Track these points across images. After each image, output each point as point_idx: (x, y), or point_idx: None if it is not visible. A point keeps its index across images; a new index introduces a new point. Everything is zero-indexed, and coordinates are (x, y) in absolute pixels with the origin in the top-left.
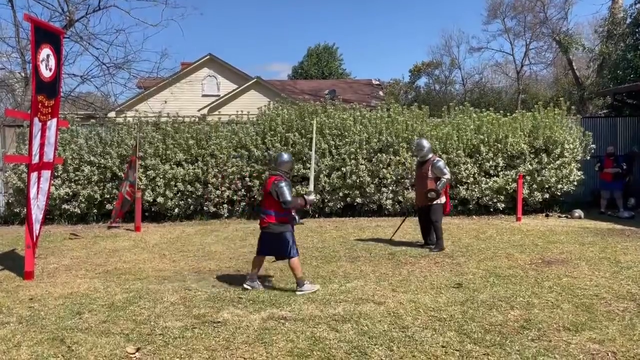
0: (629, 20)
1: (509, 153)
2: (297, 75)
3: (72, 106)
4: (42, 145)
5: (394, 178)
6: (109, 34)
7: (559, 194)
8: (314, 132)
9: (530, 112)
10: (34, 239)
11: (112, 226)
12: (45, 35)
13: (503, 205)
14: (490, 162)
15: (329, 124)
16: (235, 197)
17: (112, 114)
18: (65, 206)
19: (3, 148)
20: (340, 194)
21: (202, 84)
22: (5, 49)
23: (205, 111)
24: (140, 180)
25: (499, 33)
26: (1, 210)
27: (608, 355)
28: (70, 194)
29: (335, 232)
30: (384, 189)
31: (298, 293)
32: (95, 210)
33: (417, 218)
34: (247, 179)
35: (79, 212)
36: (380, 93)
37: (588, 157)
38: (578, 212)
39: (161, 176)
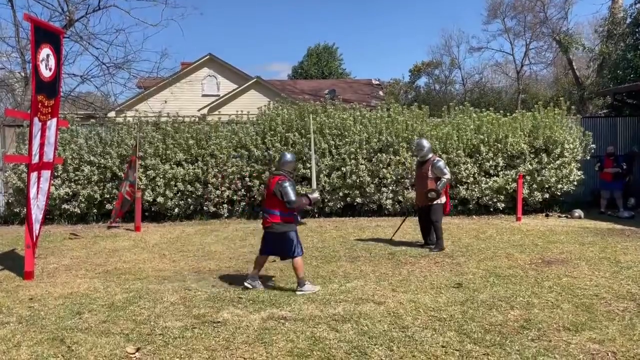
0: (629, 20)
1: (509, 153)
2: (297, 75)
3: (72, 106)
4: (42, 145)
5: (394, 178)
6: (109, 33)
7: (559, 193)
8: (311, 129)
9: (530, 112)
10: (34, 239)
11: (112, 226)
12: (45, 35)
13: (503, 205)
14: (490, 162)
15: (328, 123)
16: (235, 197)
17: (112, 114)
18: (65, 206)
19: (3, 148)
20: (340, 193)
21: (202, 83)
22: (5, 49)
23: (205, 111)
24: (140, 180)
25: (499, 33)
26: (1, 210)
27: (608, 355)
28: (70, 193)
29: (335, 232)
30: (384, 189)
31: (298, 293)
32: (95, 210)
33: (417, 218)
34: (247, 179)
35: (79, 212)
36: (380, 93)
37: (588, 157)
38: (578, 212)
39: (161, 176)
